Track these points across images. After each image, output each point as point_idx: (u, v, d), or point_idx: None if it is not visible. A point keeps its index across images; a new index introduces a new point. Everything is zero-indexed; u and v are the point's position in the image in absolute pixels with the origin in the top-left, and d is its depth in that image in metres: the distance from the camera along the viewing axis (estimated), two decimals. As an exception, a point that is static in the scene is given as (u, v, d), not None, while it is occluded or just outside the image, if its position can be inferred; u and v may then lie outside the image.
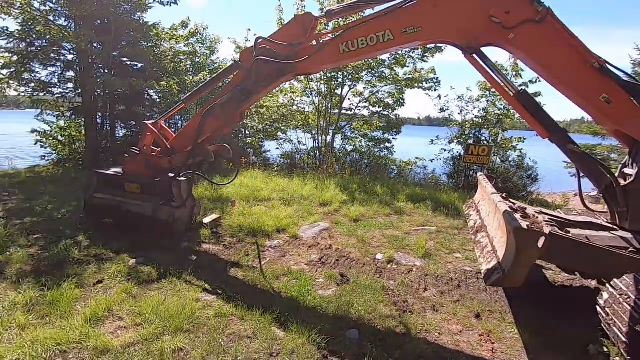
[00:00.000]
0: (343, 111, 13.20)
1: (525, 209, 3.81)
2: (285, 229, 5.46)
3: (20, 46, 9.63)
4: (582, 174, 3.69)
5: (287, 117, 13.22)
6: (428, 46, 11.33)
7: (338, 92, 12.68)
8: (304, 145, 13.67)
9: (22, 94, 10.41)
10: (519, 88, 3.53)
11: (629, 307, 2.62)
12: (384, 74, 12.31)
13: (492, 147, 9.52)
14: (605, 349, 2.90)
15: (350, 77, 12.10)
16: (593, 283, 3.99)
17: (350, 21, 6.69)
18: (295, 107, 13.40)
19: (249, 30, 11.82)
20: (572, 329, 3.19)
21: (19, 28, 9.43)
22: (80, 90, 10.11)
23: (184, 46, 12.81)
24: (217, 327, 2.99)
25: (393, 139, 13.38)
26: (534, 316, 3.43)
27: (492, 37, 3.36)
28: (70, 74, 10.42)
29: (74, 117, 10.76)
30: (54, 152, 11.05)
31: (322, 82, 12.26)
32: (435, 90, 12.28)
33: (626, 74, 3.25)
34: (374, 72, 12.20)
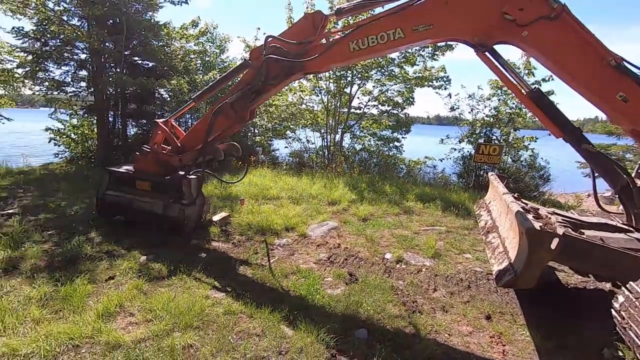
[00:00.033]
0: (352, 110, 13.17)
1: (538, 209, 3.75)
2: (293, 227, 5.47)
3: (35, 46, 9.82)
4: (597, 174, 3.61)
5: (296, 115, 13.23)
6: (438, 44, 11.22)
7: (347, 90, 12.65)
8: (312, 144, 13.69)
9: (37, 93, 10.62)
10: (532, 86, 3.47)
11: (645, 311, 2.55)
12: (393, 73, 12.24)
13: (503, 147, 9.39)
14: (621, 353, 2.83)
15: (359, 75, 12.06)
16: (607, 286, 3.91)
17: (360, 19, 6.66)
18: (304, 106, 13.41)
19: (259, 29, 11.91)
20: (585, 333, 3.13)
21: (34, 28, 9.61)
22: (92, 89, 10.28)
23: (194, 45, 12.91)
24: (226, 325, 3.01)
25: (402, 137, 13.30)
26: (546, 318, 3.37)
27: (505, 34, 3.30)
28: (83, 73, 10.58)
29: (86, 115, 10.94)
30: (67, 150, 11.26)
31: (331, 80, 12.24)
32: (445, 88, 12.18)
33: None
34: (383, 70, 12.14)
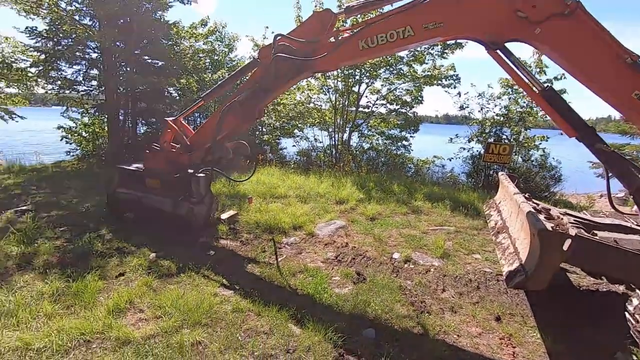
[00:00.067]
0: (360, 109, 13.11)
1: (550, 210, 3.69)
2: (301, 226, 5.47)
3: (48, 45, 10.00)
4: (610, 175, 3.54)
5: (304, 114, 13.22)
6: (448, 42, 11.11)
7: (355, 89, 12.59)
8: (320, 143, 13.67)
9: (49, 92, 10.80)
10: (545, 85, 3.41)
11: (661, 315, 2.50)
12: (402, 71, 12.15)
13: (513, 146, 9.26)
14: (635, 357, 2.77)
15: (367, 74, 11.99)
16: (621, 288, 3.83)
17: (369, 17, 6.62)
18: (312, 105, 13.39)
19: (267, 27, 11.98)
20: (598, 336, 3.07)
21: (47, 27, 9.78)
22: (103, 88, 10.42)
23: (203, 44, 13.00)
24: (234, 322, 3.03)
25: (411, 136, 13.21)
26: (557, 321, 3.32)
27: (517, 32, 3.24)
28: (94, 72, 10.74)
29: (97, 113, 11.10)
30: (78, 147, 11.44)
31: (339, 79, 12.20)
32: (454, 87, 12.03)
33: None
34: (392, 69, 12.05)
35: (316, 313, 3.21)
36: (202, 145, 4.96)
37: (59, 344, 2.60)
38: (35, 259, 3.94)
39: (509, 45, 3.40)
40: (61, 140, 11.38)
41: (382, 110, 13.32)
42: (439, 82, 11.98)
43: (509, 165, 9.89)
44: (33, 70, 10.24)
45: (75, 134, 11.40)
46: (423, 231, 5.70)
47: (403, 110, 12.92)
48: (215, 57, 13.28)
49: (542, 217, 3.07)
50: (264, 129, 13.48)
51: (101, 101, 10.80)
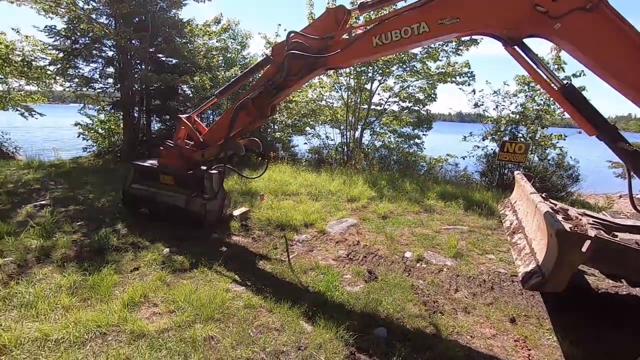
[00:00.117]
0: (372, 106, 13.01)
1: (567, 210, 3.60)
2: (313, 223, 5.47)
3: (66, 43, 10.23)
4: (632, 174, 3.42)
5: (316, 112, 13.21)
6: (463, 38, 10.92)
7: (367, 86, 12.52)
8: (332, 140, 13.64)
9: (67, 89, 11.05)
10: (564, 82, 3.31)
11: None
12: (415, 68, 12.01)
13: (529, 145, 9.04)
14: (656, 363, 2.69)
15: (380, 71, 11.90)
16: (641, 292, 3.72)
17: (383, 13, 6.55)
18: (323, 102, 13.37)
19: (279, 25, 11.91)
20: (617, 340, 2.99)
21: (65, 26, 9.99)
22: (119, 86, 10.60)
23: (216, 42, 13.09)
24: (246, 318, 3.05)
25: (423, 134, 13.06)
26: (574, 324, 3.24)
27: (536, 27, 3.15)
28: (111, 69, 10.94)
29: (113, 111, 11.31)
30: (94, 144, 11.69)
31: (352, 76, 12.13)
32: (469, 84, 11.82)
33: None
34: (405, 66, 11.93)
35: (327, 311, 3.21)
36: (215, 142, 5.00)
37: (76, 336, 2.66)
38: (53, 252, 4.04)
39: (526, 41, 3.32)
40: (78, 136, 11.64)
41: (395, 107, 13.22)
42: (453, 79, 11.79)
43: (524, 164, 9.69)
44: (52, 68, 10.50)
45: (92, 131, 11.65)
46: (435, 230, 5.63)
47: (416, 108, 12.79)
48: (228, 55, 13.35)
49: (559, 217, 2.99)
50: (275, 127, 13.51)
51: (117, 98, 11.00)
